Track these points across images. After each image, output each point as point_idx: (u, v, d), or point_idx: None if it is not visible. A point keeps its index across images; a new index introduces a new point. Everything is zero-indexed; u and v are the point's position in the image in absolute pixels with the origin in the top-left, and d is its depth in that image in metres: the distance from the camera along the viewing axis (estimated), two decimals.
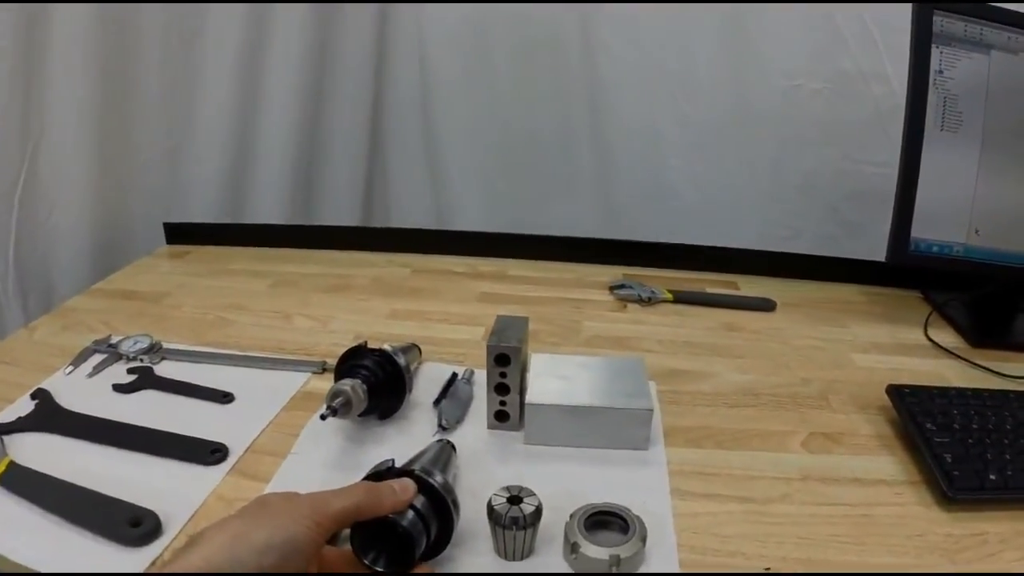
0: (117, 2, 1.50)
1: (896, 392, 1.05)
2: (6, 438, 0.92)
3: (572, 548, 0.74)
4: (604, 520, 0.78)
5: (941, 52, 1.24)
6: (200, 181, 1.76)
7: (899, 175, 1.27)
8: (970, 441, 0.95)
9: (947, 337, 1.35)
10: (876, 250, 1.33)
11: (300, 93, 1.76)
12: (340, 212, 1.92)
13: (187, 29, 1.64)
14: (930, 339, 1.34)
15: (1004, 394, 1.07)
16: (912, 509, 0.88)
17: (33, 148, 1.51)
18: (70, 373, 1.09)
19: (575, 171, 1.85)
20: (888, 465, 0.96)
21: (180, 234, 1.65)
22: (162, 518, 0.78)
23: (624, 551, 0.73)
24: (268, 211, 1.81)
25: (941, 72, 1.24)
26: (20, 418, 0.96)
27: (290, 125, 1.78)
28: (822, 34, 1.62)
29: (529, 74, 1.76)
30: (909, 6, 1.23)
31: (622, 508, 0.78)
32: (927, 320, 1.39)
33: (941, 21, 1.23)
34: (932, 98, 1.25)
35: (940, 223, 1.30)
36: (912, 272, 1.50)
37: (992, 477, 0.89)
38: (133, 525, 0.76)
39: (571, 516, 0.77)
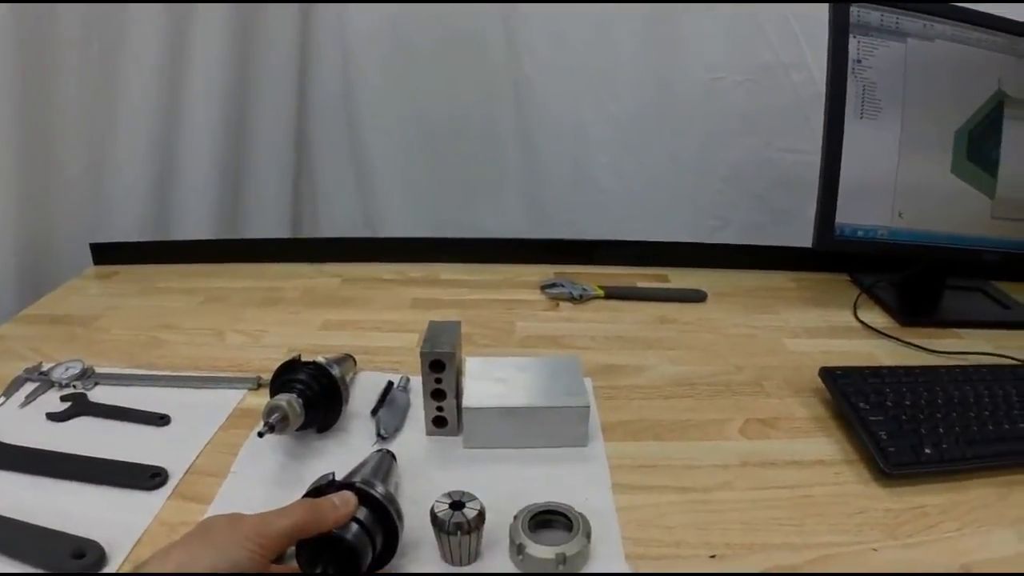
0: (33, 1, 1.46)
1: (828, 374, 1.07)
2: None
3: (518, 549, 0.74)
4: (548, 519, 0.79)
5: (859, 41, 1.26)
6: (124, 197, 1.72)
7: (822, 163, 1.30)
8: (904, 417, 0.97)
9: (877, 318, 1.38)
10: (803, 236, 1.36)
11: (223, 102, 1.74)
12: (268, 222, 1.90)
13: (106, 42, 1.59)
14: (860, 320, 1.37)
15: (934, 370, 1.10)
16: (851, 487, 0.90)
17: None
18: (2, 404, 1.06)
19: (502, 170, 1.86)
20: (825, 446, 0.98)
21: (107, 254, 1.61)
22: (106, 548, 0.76)
23: (569, 549, 0.73)
24: (195, 225, 1.79)
25: (859, 61, 1.27)
26: None
27: (214, 136, 1.75)
28: (742, 27, 1.64)
29: (453, 74, 1.76)
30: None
31: (565, 506, 0.79)
32: (856, 302, 1.42)
33: (858, 11, 1.25)
34: (851, 87, 1.27)
35: (864, 208, 1.33)
36: (840, 256, 1.53)
37: (927, 451, 0.91)
38: (76, 557, 0.75)
39: (515, 517, 0.77)
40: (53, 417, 1.02)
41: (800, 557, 0.79)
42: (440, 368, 0.92)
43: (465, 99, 1.80)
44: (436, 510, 0.74)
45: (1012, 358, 1.21)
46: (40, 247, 1.61)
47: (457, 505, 0.75)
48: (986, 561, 0.79)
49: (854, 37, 1.26)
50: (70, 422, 1.02)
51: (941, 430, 0.95)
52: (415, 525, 0.77)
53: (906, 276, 1.45)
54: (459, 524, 0.73)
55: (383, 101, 1.81)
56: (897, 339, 1.29)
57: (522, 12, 1.69)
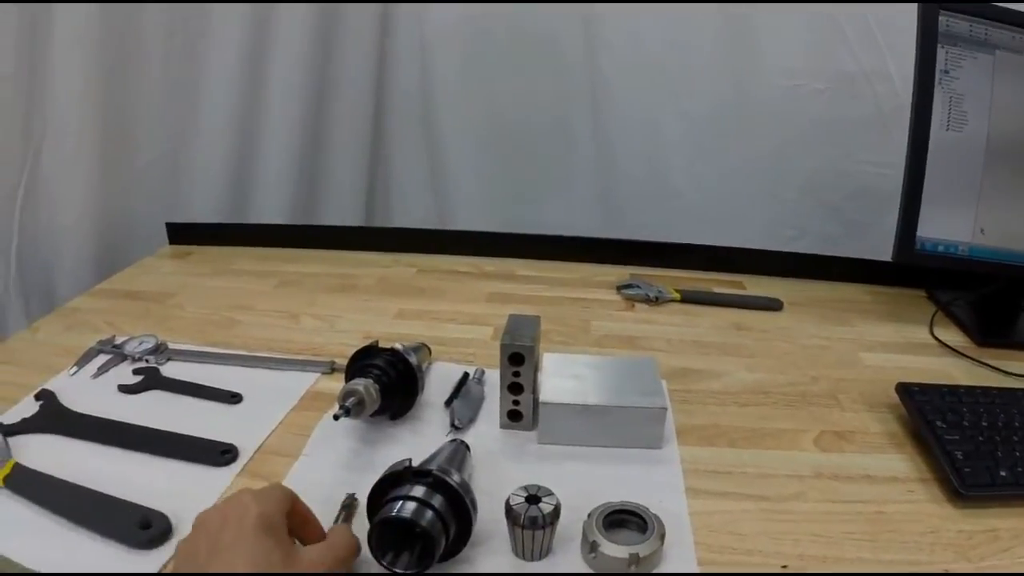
0: (120, 1, 1.49)
1: (906, 390, 1.05)
2: (11, 440, 0.91)
3: (591, 547, 0.73)
4: (622, 519, 0.78)
5: (946, 52, 1.24)
6: (203, 182, 1.76)
7: (905, 175, 1.27)
8: (980, 439, 0.95)
9: (953, 336, 1.35)
10: (878, 249, 1.34)
11: (302, 93, 1.76)
12: (342, 212, 1.91)
13: (190, 30, 1.63)
14: (936, 338, 1.34)
15: (1012, 392, 1.07)
16: (924, 506, 0.88)
17: (35, 150, 1.52)
18: (74, 374, 1.08)
19: (576, 170, 1.85)
20: (899, 462, 0.96)
21: (183, 234, 1.64)
22: (172, 520, 0.77)
23: (643, 550, 0.72)
24: (271, 211, 1.81)
25: (947, 72, 1.25)
26: (24, 419, 0.95)
27: (292, 125, 1.77)
28: (824, 33, 1.62)
29: (530, 73, 1.76)
30: (910, 4, 1.24)
31: (640, 507, 0.78)
32: (932, 319, 1.39)
33: (947, 21, 1.23)
34: (938, 98, 1.25)
35: (946, 223, 1.30)
36: (917, 271, 1.50)
37: (1003, 474, 0.89)
38: (143, 527, 0.75)
39: (589, 515, 0.77)
40: (125, 389, 1.04)
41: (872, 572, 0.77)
42: (519, 361, 0.92)
43: (541, 97, 1.79)
44: (512, 503, 0.74)
45: None
46: (119, 226, 1.65)
47: (533, 499, 0.74)
48: None
49: (942, 47, 1.23)
50: (141, 395, 1.04)
51: (1018, 453, 0.93)
52: (486, 517, 0.76)
53: (984, 294, 1.42)
54: (534, 518, 0.72)
55: (459, 98, 1.82)
56: (973, 359, 1.26)
57: (600, 11, 1.68)
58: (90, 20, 1.46)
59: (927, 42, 1.23)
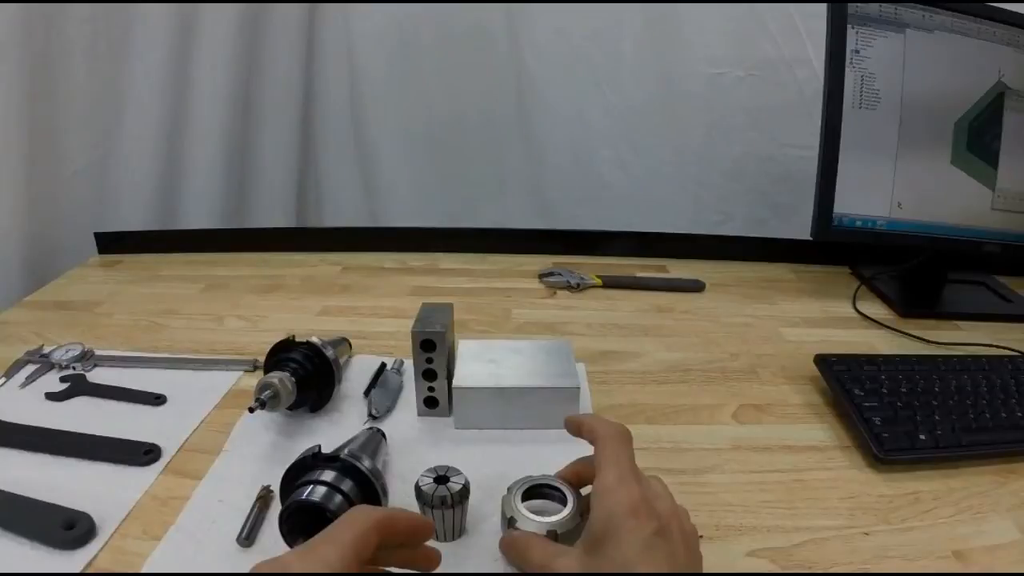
0: (44, 1, 1.47)
1: (823, 361, 1.07)
2: None
3: (509, 523, 0.73)
4: (543, 493, 0.77)
5: (857, 32, 1.26)
6: (131, 189, 1.73)
7: (820, 152, 1.30)
8: (899, 405, 0.97)
9: (876, 309, 1.38)
10: (805, 230, 1.35)
11: (229, 97, 1.74)
12: (273, 214, 1.90)
13: (114, 35, 1.60)
14: (859, 311, 1.36)
15: (932, 359, 1.10)
16: (844, 472, 0.90)
17: None
18: (2, 384, 1.06)
19: (506, 165, 1.87)
20: (819, 432, 0.98)
21: (112, 243, 1.62)
22: (96, 520, 0.77)
23: (561, 526, 0.71)
24: (201, 217, 1.79)
25: (858, 52, 1.27)
26: None
27: (220, 129, 1.76)
28: (745, 22, 1.64)
29: (457, 70, 1.77)
30: None
31: (560, 481, 0.77)
32: (855, 293, 1.42)
33: (856, 5, 1.25)
34: (849, 77, 1.27)
35: (863, 198, 1.33)
36: (841, 248, 1.53)
37: (922, 437, 0.91)
38: (67, 528, 0.75)
39: (508, 490, 0.76)
40: (52, 397, 1.03)
41: (790, 540, 0.78)
42: (431, 348, 0.93)
43: (469, 95, 1.81)
44: (420, 484, 0.75)
45: (1011, 349, 1.21)
46: (47, 237, 1.61)
47: (441, 479, 0.75)
48: (981, 548, 0.79)
49: (852, 27, 1.26)
50: (68, 402, 1.03)
51: (937, 417, 0.95)
52: (403, 502, 0.77)
53: (907, 268, 1.45)
54: (443, 498, 0.73)
55: (387, 97, 1.82)
56: (896, 330, 1.29)
57: (525, 8, 1.70)
58: (13, 26, 1.43)
59: (837, 23, 1.26)
